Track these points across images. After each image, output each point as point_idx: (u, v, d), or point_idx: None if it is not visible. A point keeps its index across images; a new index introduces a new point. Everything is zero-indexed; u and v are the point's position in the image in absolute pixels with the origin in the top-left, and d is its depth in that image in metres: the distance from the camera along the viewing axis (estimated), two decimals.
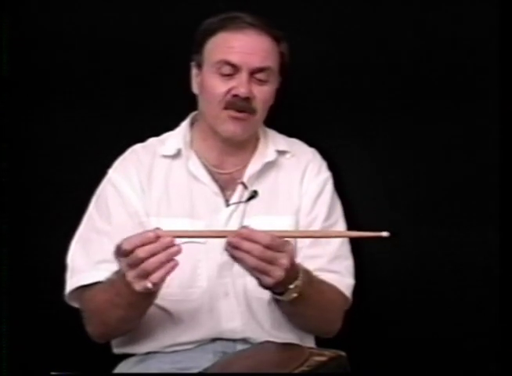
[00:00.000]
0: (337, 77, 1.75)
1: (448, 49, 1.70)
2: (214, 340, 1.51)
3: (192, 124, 1.61)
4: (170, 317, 1.51)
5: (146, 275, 1.28)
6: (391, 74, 1.73)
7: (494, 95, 1.66)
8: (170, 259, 1.28)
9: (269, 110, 1.57)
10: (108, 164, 1.59)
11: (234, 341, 1.51)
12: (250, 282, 1.50)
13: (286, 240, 1.32)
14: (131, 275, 1.29)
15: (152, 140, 1.63)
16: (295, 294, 1.38)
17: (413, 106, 1.73)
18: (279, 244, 1.30)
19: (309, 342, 1.56)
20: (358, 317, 1.58)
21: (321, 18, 1.74)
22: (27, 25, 1.75)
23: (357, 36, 1.73)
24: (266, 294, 1.51)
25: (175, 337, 1.51)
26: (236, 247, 1.29)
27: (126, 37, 1.76)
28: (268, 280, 1.32)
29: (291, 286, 1.36)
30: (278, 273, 1.31)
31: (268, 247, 1.29)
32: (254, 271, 1.32)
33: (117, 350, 1.57)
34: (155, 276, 1.28)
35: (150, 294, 1.36)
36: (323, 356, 1.28)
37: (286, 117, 1.70)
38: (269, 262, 1.30)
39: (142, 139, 1.63)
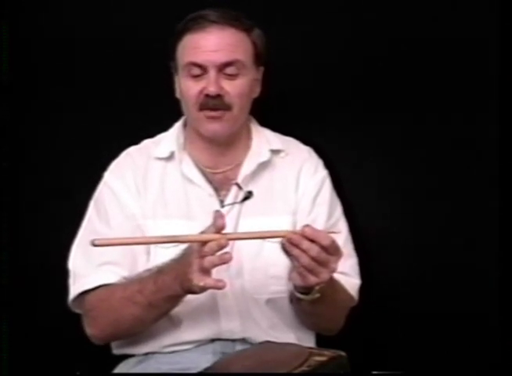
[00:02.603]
0: (336, 75, 1.74)
1: (448, 49, 1.70)
2: (213, 340, 1.51)
3: (185, 125, 1.62)
4: (169, 318, 1.51)
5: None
6: (390, 73, 1.73)
7: (494, 95, 1.66)
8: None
9: (262, 107, 1.57)
10: (107, 165, 1.59)
11: (233, 341, 1.52)
12: (247, 283, 1.52)
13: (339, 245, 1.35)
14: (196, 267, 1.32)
15: (146, 142, 1.63)
16: (318, 295, 1.40)
17: (412, 105, 1.73)
18: (335, 247, 1.32)
19: (308, 342, 1.56)
20: (358, 317, 1.58)
21: (318, 16, 1.74)
22: (26, 26, 1.75)
23: (356, 35, 1.73)
24: (263, 295, 1.53)
25: (175, 337, 1.51)
26: (295, 245, 1.31)
27: (125, 39, 1.76)
28: (314, 280, 1.34)
29: (317, 286, 1.38)
30: (325, 275, 1.34)
31: (324, 248, 1.31)
32: (302, 269, 1.33)
33: (116, 351, 1.57)
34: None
35: (173, 298, 1.39)
36: (323, 356, 1.28)
37: (282, 116, 1.70)
38: (321, 263, 1.32)
39: (139, 140, 1.63)
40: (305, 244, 1.31)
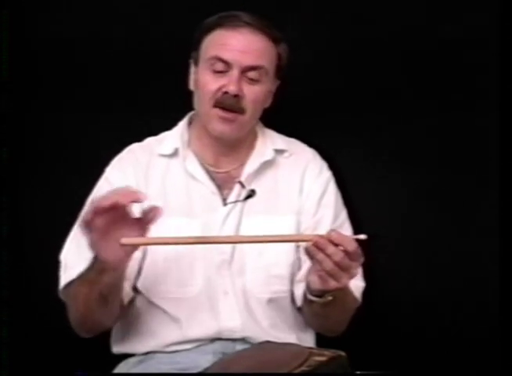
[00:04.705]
0: (338, 77, 1.75)
1: (449, 50, 1.70)
2: (213, 340, 1.51)
3: (189, 123, 1.62)
4: (169, 316, 1.51)
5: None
6: (392, 75, 1.73)
7: (494, 96, 1.66)
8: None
9: (264, 112, 1.57)
10: (107, 163, 1.59)
11: (233, 341, 1.52)
12: (249, 282, 1.52)
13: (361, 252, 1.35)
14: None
15: (149, 139, 1.63)
16: (331, 297, 1.40)
17: (414, 106, 1.73)
18: (358, 253, 1.33)
19: (308, 342, 1.57)
20: (358, 317, 1.58)
21: (321, 18, 1.74)
22: (27, 26, 1.75)
23: (357, 36, 1.73)
24: (265, 294, 1.53)
25: (175, 336, 1.51)
26: (320, 249, 1.31)
27: (126, 38, 1.76)
28: (334, 285, 1.34)
29: None
30: (345, 280, 1.34)
31: (348, 253, 1.31)
32: (324, 273, 1.33)
33: (116, 350, 1.58)
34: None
35: (104, 271, 1.35)
36: (323, 356, 1.27)
37: (286, 118, 1.70)
38: (343, 268, 1.32)
39: (140, 139, 1.63)
40: (331, 249, 1.31)
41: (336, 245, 1.31)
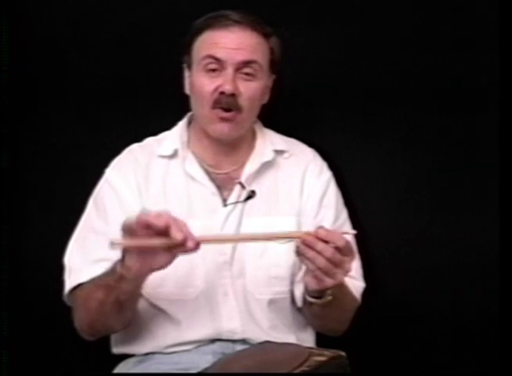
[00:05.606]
0: (339, 76, 1.75)
1: (451, 50, 1.70)
2: (213, 341, 1.51)
3: (189, 123, 1.62)
4: (169, 317, 1.51)
5: None
6: (393, 74, 1.73)
7: (495, 96, 1.66)
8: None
9: (264, 109, 1.57)
10: (107, 164, 1.59)
11: (233, 342, 1.51)
12: (250, 283, 1.52)
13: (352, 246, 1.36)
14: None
15: (149, 140, 1.63)
16: (330, 297, 1.40)
17: (414, 105, 1.73)
18: (349, 248, 1.33)
19: (308, 342, 1.57)
20: (358, 317, 1.58)
21: (322, 15, 1.74)
22: (26, 27, 1.75)
23: (358, 34, 1.73)
24: (265, 296, 1.53)
25: (175, 337, 1.51)
26: (309, 247, 1.31)
27: (125, 38, 1.76)
28: (330, 282, 1.34)
29: (329, 290, 1.39)
30: (340, 276, 1.34)
31: (339, 249, 1.31)
32: (318, 271, 1.33)
33: (116, 351, 1.57)
34: None
35: (123, 278, 1.34)
36: (323, 356, 1.28)
37: (286, 117, 1.70)
38: (336, 264, 1.32)
39: (140, 139, 1.63)
40: (320, 245, 1.31)
41: (326, 242, 1.31)
